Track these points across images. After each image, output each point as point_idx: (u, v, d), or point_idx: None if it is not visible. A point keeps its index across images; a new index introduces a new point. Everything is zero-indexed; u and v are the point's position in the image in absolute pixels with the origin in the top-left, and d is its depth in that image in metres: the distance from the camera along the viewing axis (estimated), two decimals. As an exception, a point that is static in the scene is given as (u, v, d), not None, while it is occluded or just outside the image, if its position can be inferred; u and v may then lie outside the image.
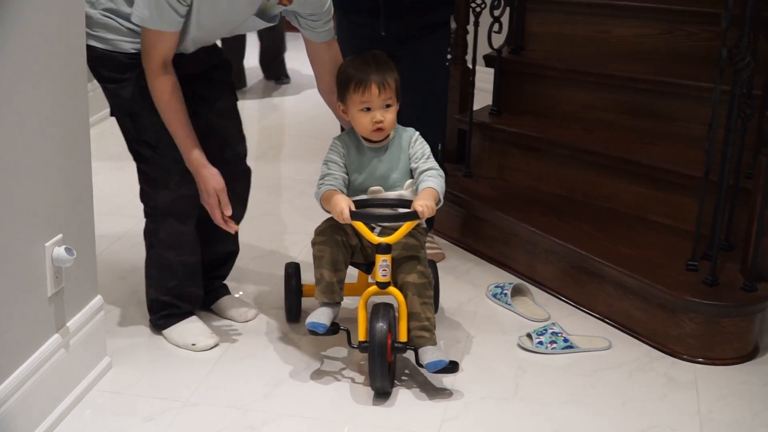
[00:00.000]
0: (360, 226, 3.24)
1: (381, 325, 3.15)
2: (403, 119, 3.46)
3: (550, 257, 4.04)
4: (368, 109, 3.29)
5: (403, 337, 3.26)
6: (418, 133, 3.44)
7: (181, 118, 3.28)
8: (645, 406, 3.28)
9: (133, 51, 3.30)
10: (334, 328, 3.32)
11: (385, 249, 3.24)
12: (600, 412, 3.23)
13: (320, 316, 3.28)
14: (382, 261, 3.24)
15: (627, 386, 3.40)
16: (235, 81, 4.59)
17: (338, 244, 3.31)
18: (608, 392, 3.35)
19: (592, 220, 4.15)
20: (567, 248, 3.95)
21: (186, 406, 3.17)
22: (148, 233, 3.51)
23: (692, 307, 3.53)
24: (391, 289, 3.28)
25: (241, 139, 3.67)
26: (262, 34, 7.28)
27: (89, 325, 3.21)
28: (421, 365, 3.23)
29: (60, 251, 2.94)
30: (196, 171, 3.30)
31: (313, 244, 3.35)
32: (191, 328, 3.56)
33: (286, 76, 7.53)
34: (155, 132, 3.31)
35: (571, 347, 3.59)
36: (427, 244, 3.91)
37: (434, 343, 3.26)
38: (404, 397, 3.26)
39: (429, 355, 3.21)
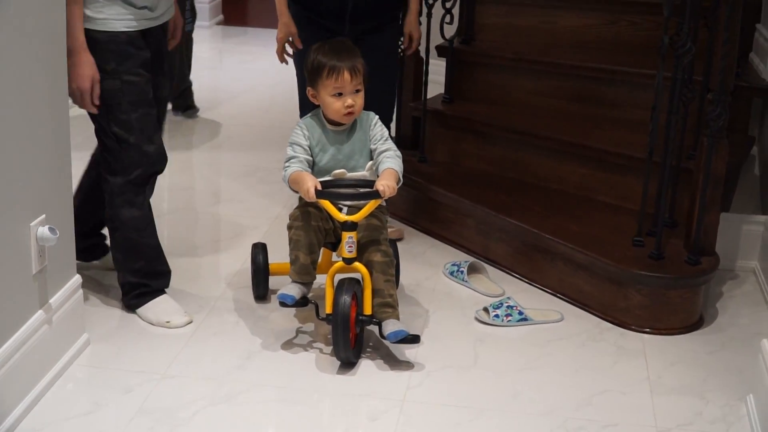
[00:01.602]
0: (327, 204, 3.41)
1: (345, 299, 3.31)
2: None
3: (502, 236, 4.23)
4: (340, 94, 3.44)
5: (367, 310, 3.42)
6: (377, 116, 3.60)
7: None
8: (597, 372, 3.48)
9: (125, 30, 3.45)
10: (303, 301, 3.49)
11: (351, 226, 3.41)
12: (555, 377, 3.44)
13: (291, 289, 3.45)
14: (348, 238, 3.40)
15: (579, 355, 3.60)
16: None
17: (314, 229, 3.47)
18: (562, 360, 3.56)
19: (541, 200, 4.35)
20: (519, 227, 4.14)
21: (164, 378, 3.32)
22: (110, 218, 3.66)
23: (639, 280, 3.74)
24: (357, 264, 3.43)
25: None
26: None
27: (70, 302, 3.35)
28: (383, 337, 3.41)
29: (44, 231, 3.08)
30: (77, 51, 3.36)
31: (289, 228, 3.51)
32: (165, 307, 3.71)
33: (194, 108, 6.47)
34: (125, 128, 3.46)
35: (525, 320, 3.78)
36: None
37: (397, 318, 3.44)
38: (369, 367, 3.44)
39: (391, 326, 3.38)
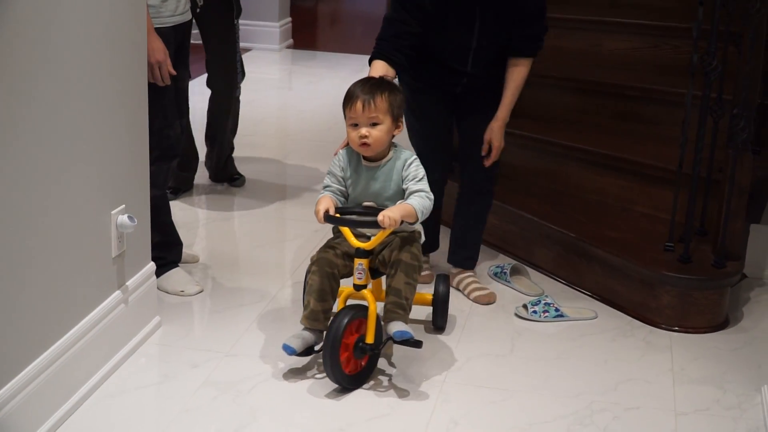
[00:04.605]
0: (344, 230, 3.50)
1: (341, 321, 3.35)
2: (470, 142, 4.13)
3: (544, 241, 4.54)
4: (356, 124, 3.50)
5: (369, 338, 3.43)
6: (414, 156, 3.59)
7: None
8: (624, 363, 3.78)
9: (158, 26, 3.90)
10: (307, 351, 3.48)
11: (363, 254, 3.46)
12: (585, 366, 3.74)
13: (295, 340, 3.45)
14: (358, 265, 3.47)
15: (609, 348, 3.89)
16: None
17: (328, 276, 3.49)
18: (592, 352, 3.85)
19: (582, 209, 4.66)
20: (560, 233, 4.45)
21: (227, 356, 3.65)
22: None
23: (668, 281, 4.03)
24: (365, 292, 3.48)
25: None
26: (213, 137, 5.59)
27: (145, 285, 3.71)
28: (389, 336, 3.41)
29: (123, 219, 3.44)
30: (149, 30, 3.71)
31: (307, 271, 3.64)
32: (178, 278, 4.17)
33: (240, 176, 5.72)
34: (150, 113, 3.71)
35: (561, 316, 4.08)
36: (475, 285, 4.26)
37: (405, 323, 3.43)
38: (413, 354, 3.72)
39: (397, 326, 3.39)
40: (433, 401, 3.43)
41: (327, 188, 3.61)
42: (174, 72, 3.87)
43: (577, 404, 3.45)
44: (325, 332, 3.42)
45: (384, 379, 3.56)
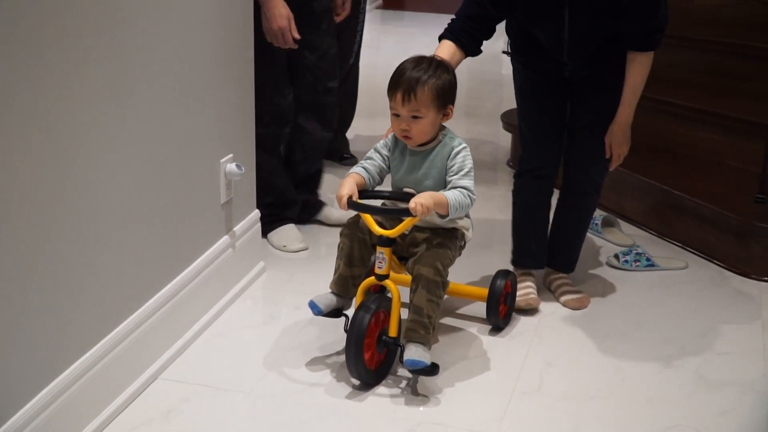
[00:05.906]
0: (365, 216, 3.23)
1: (363, 315, 3.12)
2: (577, 137, 3.75)
3: (635, 193, 4.63)
4: (397, 115, 3.24)
5: (393, 332, 3.21)
6: (464, 146, 3.28)
7: None
8: (714, 311, 3.87)
9: None
10: (334, 313, 3.34)
11: (384, 242, 3.20)
12: (675, 313, 3.84)
13: (321, 300, 3.32)
14: (379, 253, 3.20)
15: (700, 297, 3.99)
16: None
17: (359, 241, 3.30)
18: (683, 300, 3.95)
19: (673, 162, 4.75)
20: (651, 185, 4.55)
21: (329, 299, 3.81)
22: None
23: (759, 232, 4.11)
24: (387, 282, 3.22)
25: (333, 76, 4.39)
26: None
27: (250, 232, 3.88)
28: (401, 361, 3.16)
29: (232, 167, 3.60)
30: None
31: (340, 234, 3.36)
32: (286, 234, 4.33)
33: (350, 155, 5.72)
34: (258, 81, 3.86)
35: (652, 266, 4.18)
36: (566, 287, 3.92)
37: (426, 343, 3.16)
38: (509, 299, 3.87)
39: (412, 352, 3.11)
40: (527, 343, 3.56)
41: (364, 161, 3.37)
42: (298, 36, 3.92)
43: (669, 348, 3.55)
44: (348, 321, 3.22)
45: (480, 322, 3.69)
